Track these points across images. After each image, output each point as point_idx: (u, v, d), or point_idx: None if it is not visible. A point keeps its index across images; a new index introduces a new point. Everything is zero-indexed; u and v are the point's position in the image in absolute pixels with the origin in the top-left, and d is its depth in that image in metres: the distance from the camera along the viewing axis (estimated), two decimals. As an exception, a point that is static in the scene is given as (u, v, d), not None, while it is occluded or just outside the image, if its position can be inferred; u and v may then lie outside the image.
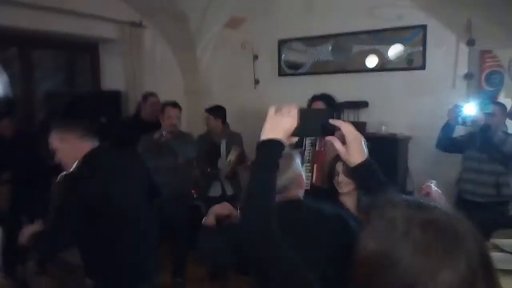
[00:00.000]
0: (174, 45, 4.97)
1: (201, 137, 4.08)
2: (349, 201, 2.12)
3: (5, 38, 4.05)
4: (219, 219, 1.91)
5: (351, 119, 4.22)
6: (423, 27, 3.98)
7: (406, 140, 4.06)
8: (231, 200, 3.74)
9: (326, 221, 1.64)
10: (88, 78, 4.83)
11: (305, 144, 3.59)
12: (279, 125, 1.14)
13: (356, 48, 4.35)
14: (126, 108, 4.59)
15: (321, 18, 4.48)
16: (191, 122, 5.03)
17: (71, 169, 1.98)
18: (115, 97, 4.56)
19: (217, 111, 3.96)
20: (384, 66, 4.22)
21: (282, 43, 4.83)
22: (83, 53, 4.78)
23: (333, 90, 4.17)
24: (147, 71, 4.70)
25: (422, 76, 4.02)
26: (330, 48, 4.52)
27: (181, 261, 3.80)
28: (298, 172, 1.74)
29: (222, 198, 3.74)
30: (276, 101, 4.47)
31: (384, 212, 0.77)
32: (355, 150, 1.20)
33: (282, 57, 4.85)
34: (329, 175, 2.26)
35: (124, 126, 4.15)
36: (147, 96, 4.15)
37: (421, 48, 4.01)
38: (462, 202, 3.16)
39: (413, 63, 4.08)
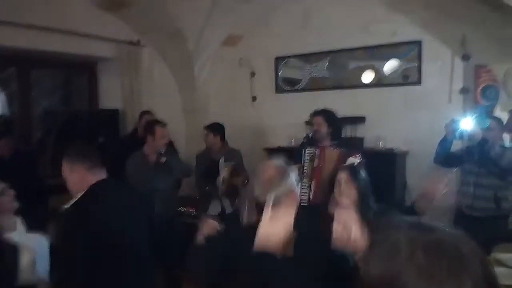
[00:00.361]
0: (172, 63, 5.01)
1: (200, 155, 4.08)
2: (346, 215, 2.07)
3: (4, 58, 4.08)
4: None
5: (348, 134, 4.23)
6: (418, 43, 4.02)
7: (404, 154, 4.07)
8: (231, 217, 3.73)
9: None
10: (86, 97, 4.85)
11: (303, 159, 3.59)
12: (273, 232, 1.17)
13: (352, 64, 4.38)
14: (124, 126, 4.60)
15: (317, 35, 4.53)
16: (189, 139, 5.04)
17: (72, 201, 1.96)
18: (113, 115, 4.57)
19: (216, 128, 3.97)
20: (380, 82, 4.25)
21: (278, 60, 4.87)
22: (81, 72, 4.82)
23: (330, 106, 4.19)
24: (145, 89, 4.74)
25: (418, 91, 4.05)
26: (326, 64, 4.56)
27: (176, 282, 3.76)
28: (292, 187, 1.72)
29: (222, 216, 3.72)
30: (273, 117, 4.56)
31: (387, 235, 0.76)
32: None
33: (279, 74, 4.89)
34: (330, 185, 2.26)
35: (121, 145, 4.15)
36: (143, 114, 4.17)
37: (416, 64, 4.05)
38: (461, 217, 3.15)
39: (409, 78, 4.11)
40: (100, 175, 2.04)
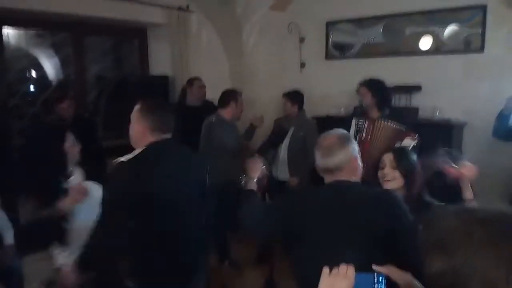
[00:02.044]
0: (220, 29, 4.96)
1: (277, 120, 4.14)
2: None
3: (58, 24, 4.17)
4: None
5: (403, 103, 4.10)
6: (483, 7, 3.75)
7: (461, 126, 3.90)
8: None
9: (377, 200, 1.64)
10: (137, 63, 4.91)
11: (352, 130, 3.50)
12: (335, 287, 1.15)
13: (409, 30, 4.17)
14: (174, 93, 4.64)
15: (371, -2, 4.33)
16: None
17: (128, 157, 1.94)
18: (163, 82, 4.61)
19: (294, 96, 3.94)
20: (439, 49, 4.04)
21: (330, 25, 4.71)
22: (131, 38, 4.85)
23: (383, 73, 4.06)
24: (193, 55, 4.72)
25: (480, 59, 3.82)
26: (381, 29, 4.35)
27: (225, 245, 3.87)
28: (353, 156, 1.73)
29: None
30: (323, 85, 4.47)
31: (436, 224, 0.78)
32: None
33: (330, 40, 4.73)
34: (375, 167, 2.16)
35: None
36: (192, 80, 4.19)
37: (480, 30, 3.80)
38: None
39: (470, 45, 3.87)
40: (160, 137, 2.01)
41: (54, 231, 2.21)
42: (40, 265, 3.19)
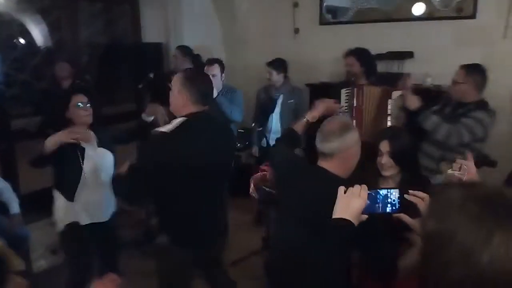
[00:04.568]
0: (213, -7, 4.89)
1: (260, 90, 4.13)
2: (390, 184, 2.10)
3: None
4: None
5: (395, 70, 4.15)
6: (476, -27, 3.77)
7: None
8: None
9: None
10: (128, 29, 4.85)
11: (342, 100, 3.57)
12: (350, 206, 1.27)
13: (403, -5, 4.17)
14: (168, 61, 4.63)
15: (366, -37, 4.29)
16: (230, 71, 5.04)
17: (169, 128, 2.01)
18: (157, 49, 4.58)
19: (280, 65, 3.95)
20: (431, 15, 4.06)
21: (324, -10, 4.67)
22: (124, 5, 4.77)
23: (377, 39, 4.11)
24: (186, 21, 4.67)
25: (472, 25, 3.86)
26: (375, -6, 4.35)
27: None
28: (350, 145, 1.75)
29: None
30: (317, 51, 4.49)
31: (441, 193, 0.85)
32: None
33: (324, 5, 4.70)
34: (373, 154, 2.19)
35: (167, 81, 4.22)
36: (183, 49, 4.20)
37: (472, -4, 3.82)
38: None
39: (462, 11, 3.90)
40: (200, 108, 2.10)
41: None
42: (45, 232, 3.31)
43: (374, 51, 3.72)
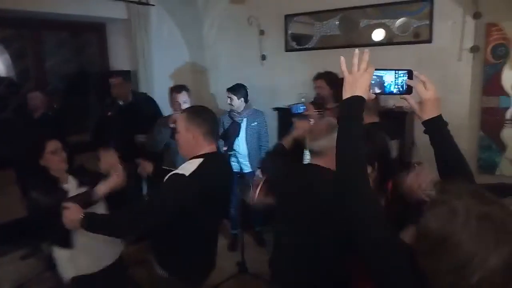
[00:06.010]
0: (181, 23, 4.98)
1: (223, 116, 4.16)
2: None
3: (16, 21, 4.07)
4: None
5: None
6: (430, 1, 4.01)
7: (412, 113, 4.14)
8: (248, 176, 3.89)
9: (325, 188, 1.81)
10: (96, 58, 4.86)
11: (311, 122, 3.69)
12: (358, 83, 1.26)
13: (363, 22, 4.38)
14: (136, 87, 4.64)
15: (328, -8, 4.50)
16: (199, 99, 5.10)
17: (188, 169, 1.94)
18: (125, 77, 4.59)
19: (239, 90, 4.02)
20: (391, 40, 4.27)
21: (288, 18, 4.84)
22: (90, 33, 4.79)
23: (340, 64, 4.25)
24: (155, 49, 4.73)
25: (429, 49, 4.08)
26: (337, 22, 4.55)
27: None
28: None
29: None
30: (283, 77, 4.62)
31: (450, 199, 0.89)
32: (429, 108, 1.33)
33: (289, 32, 4.88)
34: None
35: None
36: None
37: (428, 22, 4.05)
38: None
39: (420, 36, 4.13)
40: (212, 144, 2.06)
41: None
42: (12, 267, 3.19)
43: (338, 75, 3.88)
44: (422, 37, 4.11)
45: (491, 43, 3.79)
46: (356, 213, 1.11)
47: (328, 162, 1.82)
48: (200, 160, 1.98)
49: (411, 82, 1.35)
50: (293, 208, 1.90)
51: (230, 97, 3.99)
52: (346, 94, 1.26)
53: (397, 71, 1.37)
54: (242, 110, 4.02)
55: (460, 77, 3.93)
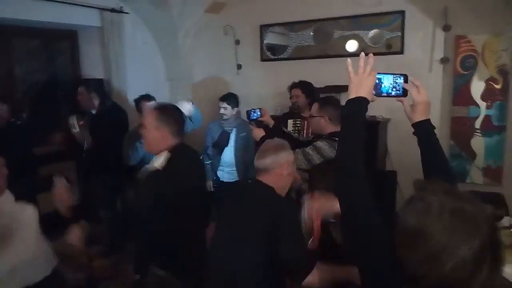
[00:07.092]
0: (156, 31, 4.94)
1: (212, 124, 4.15)
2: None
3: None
4: None
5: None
6: (402, 13, 4.11)
7: (385, 122, 4.23)
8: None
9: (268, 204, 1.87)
10: (68, 66, 4.76)
11: (288, 127, 3.73)
12: (363, 84, 1.34)
13: (337, 34, 4.45)
14: (109, 95, 4.56)
15: (302, 4, 4.56)
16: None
17: (158, 165, 2.01)
18: (98, 85, 4.51)
19: (231, 100, 4.01)
20: (364, 51, 4.30)
21: (264, 28, 4.88)
22: (62, 41, 4.69)
23: (315, 74, 4.30)
24: (129, 58, 4.66)
25: (401, 60, 4.16)
26: (311, 33, 4.61)
27: None
28: (283, 163, 1.94)
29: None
30: (258, 86, 4.64)
31: (425, 196, 0.96)
32: (420, 111, 1.41)
33: (264, 42, 4.91)
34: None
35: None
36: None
37: (399, 33, 4.15)
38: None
39: (392, 47, 4.22)
40: (178, 139, 2.11)
41: None
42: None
43: (313, 85, 3.92)
44: (394, 48, 4.20)
45: (460, 54, 3.90)
46: (351, 195, 1.20)
47: (271, 181, 1.91)
48: (168, 153, 2.05)
49: (406, 86, 1.43)
50: (234, 222, 1.92)
51: (224, 107, 3.97)
52: (351, 95, 1.34)
53: (394, 75, 1.46)
54: (232, 120, 4.00)
55: (430, 88, 4.01)
